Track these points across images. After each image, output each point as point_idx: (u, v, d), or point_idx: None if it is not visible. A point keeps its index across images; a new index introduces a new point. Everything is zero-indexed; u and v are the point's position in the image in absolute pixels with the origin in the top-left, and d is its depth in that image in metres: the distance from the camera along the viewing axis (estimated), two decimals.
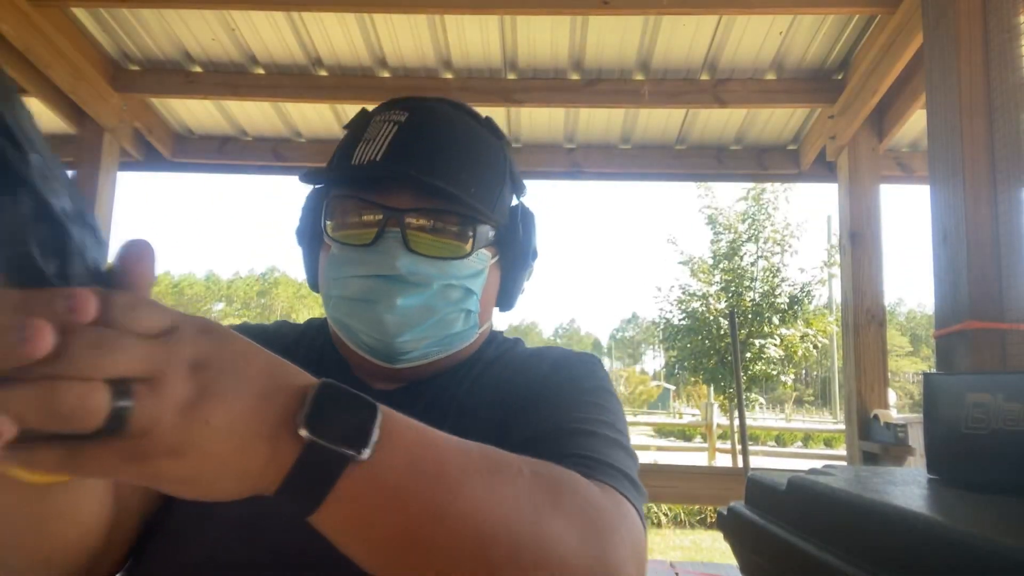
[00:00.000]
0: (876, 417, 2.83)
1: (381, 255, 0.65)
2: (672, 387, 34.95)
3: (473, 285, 0.70)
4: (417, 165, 0.65)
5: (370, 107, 0.75)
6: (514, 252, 0.75)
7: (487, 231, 0.70)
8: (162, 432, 0.31)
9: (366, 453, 0.37)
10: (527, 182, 0.82)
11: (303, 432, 0.35)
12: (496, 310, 0.80)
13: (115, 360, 0.30)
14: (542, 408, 0.67)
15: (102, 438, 0.30)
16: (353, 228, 0.67)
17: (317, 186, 0.74)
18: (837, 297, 14.99)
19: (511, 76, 3.10)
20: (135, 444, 0.31)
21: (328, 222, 0.69)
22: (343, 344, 0.73)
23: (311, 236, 0.74)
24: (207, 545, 0.58)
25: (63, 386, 0.28)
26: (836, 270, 8.98)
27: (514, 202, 0.78)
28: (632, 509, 0.54)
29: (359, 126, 0.71)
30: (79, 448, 0.30)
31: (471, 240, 0.68)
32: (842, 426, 4.63)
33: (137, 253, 0.35)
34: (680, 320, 10.56)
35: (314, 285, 0.76)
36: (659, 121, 3.44)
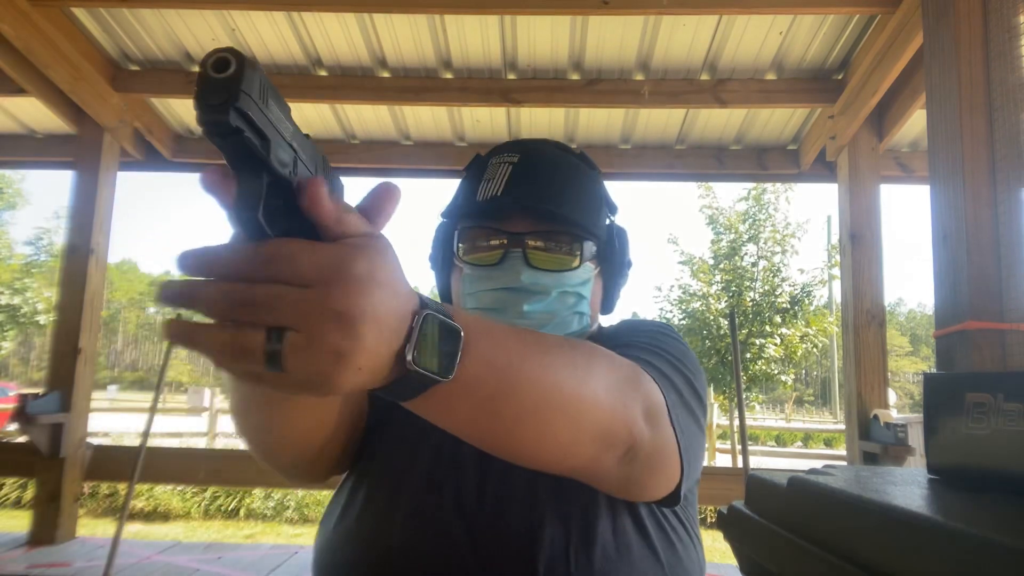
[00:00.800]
0: (876, 417, 2.83)
1: (507, 271, 0.80)
2: None
3: (584, 291, 0.84)
4: (531, 196, 0.80)
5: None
6: (613, 263, 0.89)
7: (591, 247, 0.84)
8: (321, 372, 0.39)
9: (451, 376, 0.46)
10: None
11: (411, 365, 0.44)
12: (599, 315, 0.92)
13: (266, 313, 0.38)
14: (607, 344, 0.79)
15: (276, 371, 0.39)
16: (482, 252, 0.82)
17: (445, 220, 0.89)
18: (837, 297, 14.98)
19: (511, 76, 3.10)
20: (301, 380, 0.40)
21: (461, 245, 0.84)
22: None
23: (443, 261, 0.88)
24: (419, 466, 0.75)
25: (233, 333, 0.38)
26: (836, 271, 8.98)
27: (608, 221, 0.91)
28: (653, 386, 0.64)
29: (479, 168, 0.86)
30: (264, 375, 0.39)
31: (579, 255, 0.82)
32: (842, 426, 4.62)
33: (384, 193, 0.46)
34: (680, 320, 10.55)
35: (446, 301, 0.89)
36: (659, 121, 3.44)
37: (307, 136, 0.44)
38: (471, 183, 0.85)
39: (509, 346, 0.52)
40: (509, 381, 0.50)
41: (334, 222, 0.40)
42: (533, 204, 0.80)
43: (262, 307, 0.38)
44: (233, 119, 0.35)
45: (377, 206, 0.46)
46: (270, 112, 0.37)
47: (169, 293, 0.39)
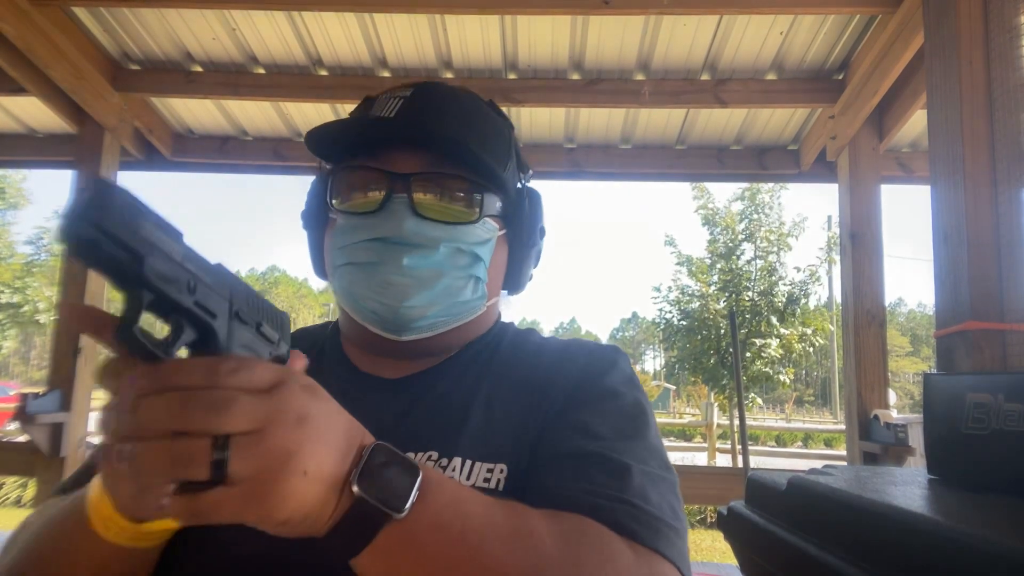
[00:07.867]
0: (876, 417, 2.83)
1: (386, 219, 0.65)
2: (672, 387, 34.93)
3: (481, 252, 0.69)
4: (425, 125, 0.66)
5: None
6: (521, 227, 0.75)
7: (494, 200, 0.70)
8: (266, 479, 0.36)
9: (403, 512, 0.42)
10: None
11: (355, 488, 0.40)
12: (505, 294, 0.79)
13: (219, 418, 0.35)
14: (575, 422, 0.62)
15: (216, 486, 0.36)
16: (359, 198, 0.67)
17: (328, 164, 0.72)
18: (837, 295, 14.98)
19: (511, 76, 3.10)
20: (245, 491, 0.36)
21: (334, 198, 0.69)
22: (348, 339, 0.74)
23: (317, 217, 0.72)
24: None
25: (175, 442, 0.35)
26: (833, 268, 8.97)
27: (520, 179, 0.79)
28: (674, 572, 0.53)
29: (365, 107, 0.71)
30: (201, 495, 0.35)
31: (478, 207, 0.68)
32: (842, 426, 4.62)
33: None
34: (679, 320, 10.55)
35: (320, 271, 0.74)
36: (659, 121, 3.44)
37: (219, 265, 0.44)
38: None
39: (470, 517, 0.45)
40: (464, 554, 0.44)
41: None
42: (426, 134, 0.65)
43: (212, 412, 0.35)
44: (85, 230, 0.35)
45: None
46: (142, 229, 0.37)
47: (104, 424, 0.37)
